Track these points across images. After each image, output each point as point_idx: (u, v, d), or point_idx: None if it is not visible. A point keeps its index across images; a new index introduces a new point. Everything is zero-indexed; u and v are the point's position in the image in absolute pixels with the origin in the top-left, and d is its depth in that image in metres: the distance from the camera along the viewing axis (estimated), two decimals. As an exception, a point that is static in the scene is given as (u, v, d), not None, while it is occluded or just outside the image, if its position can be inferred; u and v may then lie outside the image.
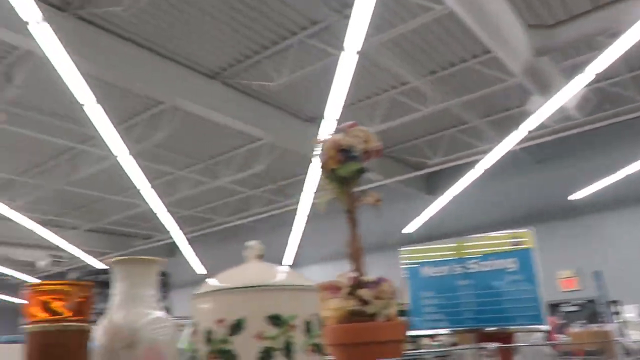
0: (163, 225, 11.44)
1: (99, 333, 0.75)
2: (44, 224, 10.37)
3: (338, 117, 6.15)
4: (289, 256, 10.78)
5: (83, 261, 12.34)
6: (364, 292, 1.14)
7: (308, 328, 0.88)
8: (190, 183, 9.87)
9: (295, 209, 9.50)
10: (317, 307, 0.93)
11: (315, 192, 8.75)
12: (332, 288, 1.17)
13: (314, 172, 7.73)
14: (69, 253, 12.05)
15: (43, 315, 0.67)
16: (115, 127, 6.53)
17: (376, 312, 1.12)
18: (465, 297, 1.52)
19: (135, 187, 8.96)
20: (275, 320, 0.85)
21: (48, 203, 10.39)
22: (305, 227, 10.00)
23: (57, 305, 0.68)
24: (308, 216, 9.57)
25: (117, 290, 0.82)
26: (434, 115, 7.82)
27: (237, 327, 0.84)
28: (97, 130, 6.59)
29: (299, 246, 10.68)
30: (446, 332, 1.64)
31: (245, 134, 8.00)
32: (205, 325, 0.87)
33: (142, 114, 7.45)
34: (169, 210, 10.19)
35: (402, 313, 1.27)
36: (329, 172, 1.30)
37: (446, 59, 6.71)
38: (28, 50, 5.63)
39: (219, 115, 6.96)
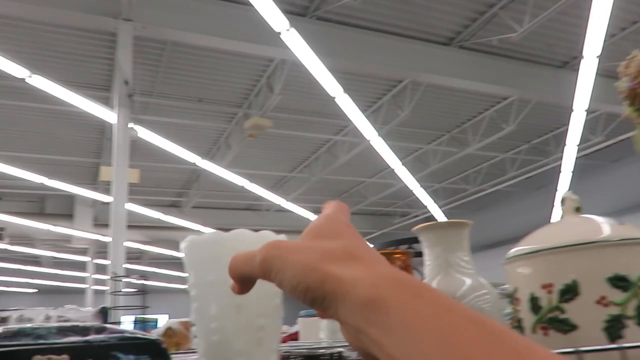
0: (418, 201, 11.69)
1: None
2: (314, 211, 11.61)
3: (599, 54, 5.32)
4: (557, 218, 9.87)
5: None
6: None
7: (665, 290, 0.70)
8: (438, 155, 9.83)
9: (559, 166, 8.63)
10: (669, 264, 0.75)
11: (578, 145, 7.80)
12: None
13: (577, 121, 6.87)
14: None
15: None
16: (363, 113, 6.88)
17: None
18: None
19: (387, 167, 9.34)
20: (620, 282, 0.70)
21: (315, 193, 11.59)
22: (571, 185, 9.02)
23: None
24: (573, 172, 8.61)
25: (429, 257, 0.78)
26: None
27: (569, 292, 0.72)
28: (348, 119, 7.05)
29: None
30: None
31: (491, 95, 7.59)
32: (528, 292, 0.77)
33: (385, 96, 7.69)
34: (422, 186, 10.35)
35: None
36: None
37: None
38: (282, 59, 6.32)
39: (461, 81, 6.73)
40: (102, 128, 7.99)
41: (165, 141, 7.04)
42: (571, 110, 6.68)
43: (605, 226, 0.79)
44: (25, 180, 8.54)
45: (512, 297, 0.82)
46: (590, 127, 8.23)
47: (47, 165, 8.85)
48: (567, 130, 7.46)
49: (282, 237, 0.64)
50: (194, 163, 8.07)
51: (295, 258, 0.31)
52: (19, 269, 15.09)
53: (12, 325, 0.47)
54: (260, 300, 0.59)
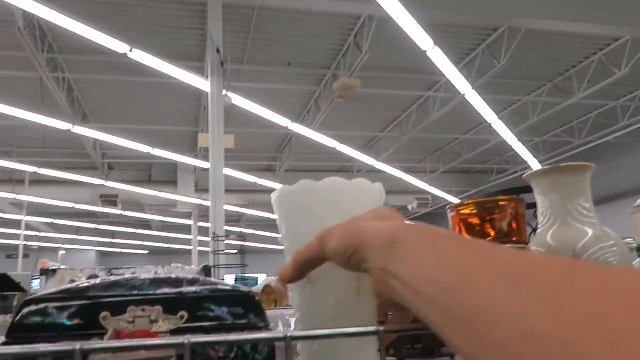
0: (516, 157, 11.11)
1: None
2: (406, 171, 11.42)
3: None
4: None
5: (445, 200, 13.13)
6: None
7: None
8: (539, 107, 9.19)
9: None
10: None
11: None
12: None
13: None
14: (432, 194, 13.00)
15: (474, 236, 0.61)
16: (456, 66, 6.56)
17: None
18: None
19: (483, 122, 8.91)
20: None
21: (407, 152, 11.38)
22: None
23: (487, 225, 0.60)
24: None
25: (543, 206, 0.70)
26: None
27: None
28: (440, 74, 6.76)
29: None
30: None
31: (599, 37, 6.92)
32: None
33: (480, 46, 7.26)
34: (520, 140, 9.79)
35: None
36: None
37: None
38: (369, 15, 6.15)
39: (564, 24, 6.18)
40: (199, 97, 8.32)
41: (258, 107, 7.18)
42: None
43: None
44: (134, 150, 9.16)
45: (641, 250, 0.71)
46: None
47: (152, 135, 9.41)
48: (692, 70, 6.64)
49: (378, 185, 0.59)
50: (286, 127, 8.19)
51: (339, 230, 0.39)
52: (133, 233, 16.47)
53: (108, 277, 0.47)
54: None
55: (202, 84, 6.31)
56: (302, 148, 10.49)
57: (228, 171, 9.22)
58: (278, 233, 0.60)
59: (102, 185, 10.69)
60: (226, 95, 6.02)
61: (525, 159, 10.57)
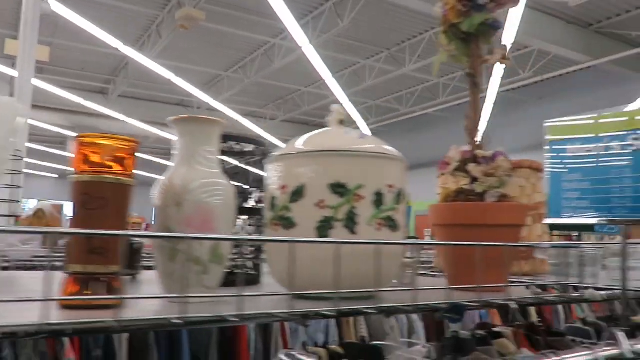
0: (348, 118, 11.76)
1: (155, 190, 0.76)
2: (245, 115, 11.44)
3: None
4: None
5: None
6: (472, 168, 0.96)
7: (378, 200, 0.76)
8: (375, 72, 9.79)
9: (484, 97, 8.85)
10: (398, 179, 0.81)
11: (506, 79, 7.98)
12: (441, 164, 1.02)
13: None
14: (269, 142, 13.23)
15: (84, 166, 0.69)
16: (301, 18, 6.66)
17: (485, 190, 0.94)
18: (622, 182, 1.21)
19: (321, 79, 9.23)
20: (338, 188, 0.75)
21: (249, 96, 11.37)
22: (493, 114, 9.29)
23: (96, 158, 0.68)
24: (495, 102, 8.85)
25: (178, 148, 0.80)
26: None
27: (297, 194, 0.78)
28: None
29: (491, 134, 10.06)
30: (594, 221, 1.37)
31: (432, 16, 7.53)
32: (271, 191, 0.82)
33: (327, 4, 7.43)
34: (351, 101, 10.36)
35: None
36: (449, 27, 1.08)
37: None
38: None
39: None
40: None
41: (84, 20, 6.52)
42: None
43: (349, 139, 0.83)
44: None
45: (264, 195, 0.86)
46: (520, 62, 8.48)
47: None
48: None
49: (8, 99, 0.62)
50: (116, 48, 7.61)
51: None
52: None
53: None
54: None
55: (18, -18, 5.55)
56: (139, 75, 9.89)
57: (47, 86, 8.37)
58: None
59: None
60: (45, 0, 5.39)
61: (356, 120, 11.22)
